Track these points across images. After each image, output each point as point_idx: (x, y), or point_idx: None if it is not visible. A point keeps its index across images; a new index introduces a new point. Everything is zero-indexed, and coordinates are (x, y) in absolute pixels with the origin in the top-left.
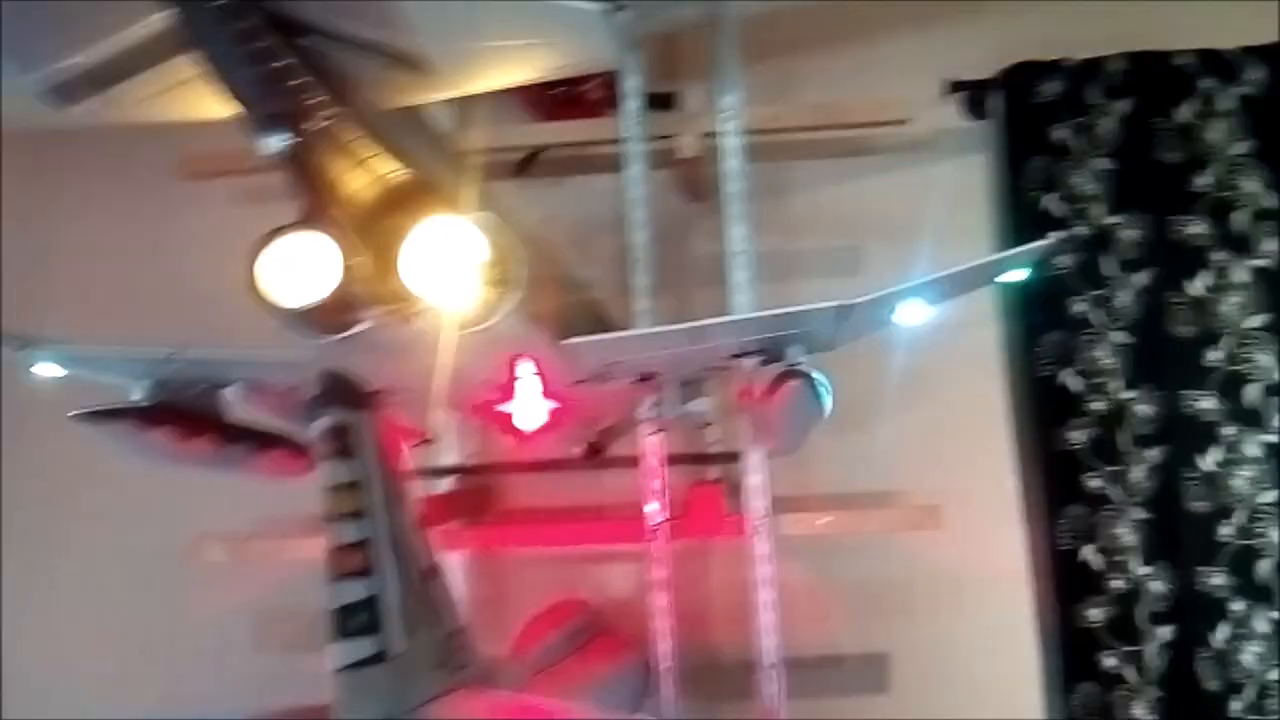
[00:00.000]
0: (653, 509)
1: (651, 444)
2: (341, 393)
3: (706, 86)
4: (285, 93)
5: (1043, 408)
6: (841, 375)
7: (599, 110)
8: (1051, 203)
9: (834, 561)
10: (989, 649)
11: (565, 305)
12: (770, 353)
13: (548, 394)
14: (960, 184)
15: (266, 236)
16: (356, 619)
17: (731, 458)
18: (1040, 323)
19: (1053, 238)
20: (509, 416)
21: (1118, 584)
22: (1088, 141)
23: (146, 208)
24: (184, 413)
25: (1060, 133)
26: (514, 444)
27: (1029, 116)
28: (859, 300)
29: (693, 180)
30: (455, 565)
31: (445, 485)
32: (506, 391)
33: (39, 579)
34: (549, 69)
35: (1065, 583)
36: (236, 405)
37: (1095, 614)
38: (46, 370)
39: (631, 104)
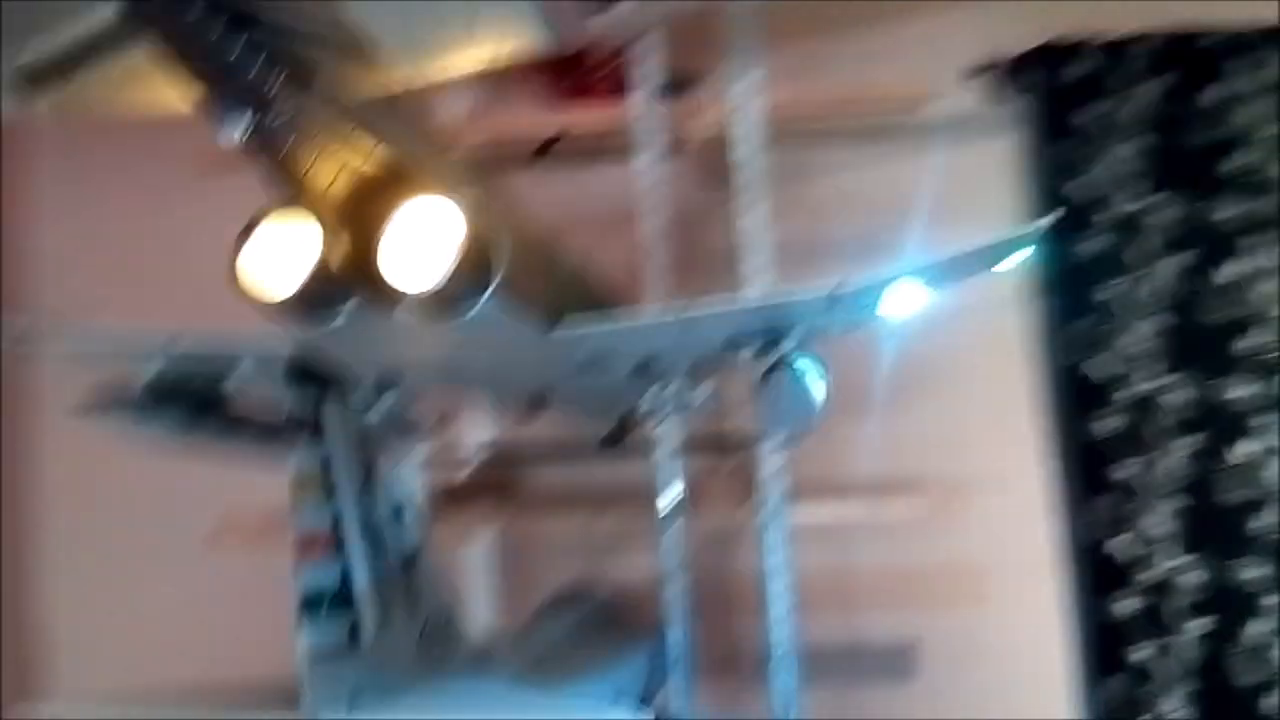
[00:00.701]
0: (667, 496)
1: (665, 433)
2: (306, 380)
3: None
4: (242, 83)
5: (1070, 396)
6: (867, 362)
7: (614, 96)
8: (1078, 186)
9: (862, 549)
10: (1018, 640)
11: (558, 292)
12: (767, 341)
13: None
14: (987, 168)
15: (245, 229)
16: (324, 602)
17: (746, 446)
18: (1067, 309)
19: (1045, 220)
20: None
21: (1147, 577)
22: (1115, 124)
23: (179, 196)
24: (189, 401)
25: (1087, 115)
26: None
27: (1055, 99)
28: (850, 287)
29: (713, 165)
30: (481, 548)
31: (470, 470)
32: None
33: (81, 549)
34: (488, 58)
35: (1093, 575)
36: (240, 393)
37: (1124, 607)
38: (57, 352)
39: (644, 90)
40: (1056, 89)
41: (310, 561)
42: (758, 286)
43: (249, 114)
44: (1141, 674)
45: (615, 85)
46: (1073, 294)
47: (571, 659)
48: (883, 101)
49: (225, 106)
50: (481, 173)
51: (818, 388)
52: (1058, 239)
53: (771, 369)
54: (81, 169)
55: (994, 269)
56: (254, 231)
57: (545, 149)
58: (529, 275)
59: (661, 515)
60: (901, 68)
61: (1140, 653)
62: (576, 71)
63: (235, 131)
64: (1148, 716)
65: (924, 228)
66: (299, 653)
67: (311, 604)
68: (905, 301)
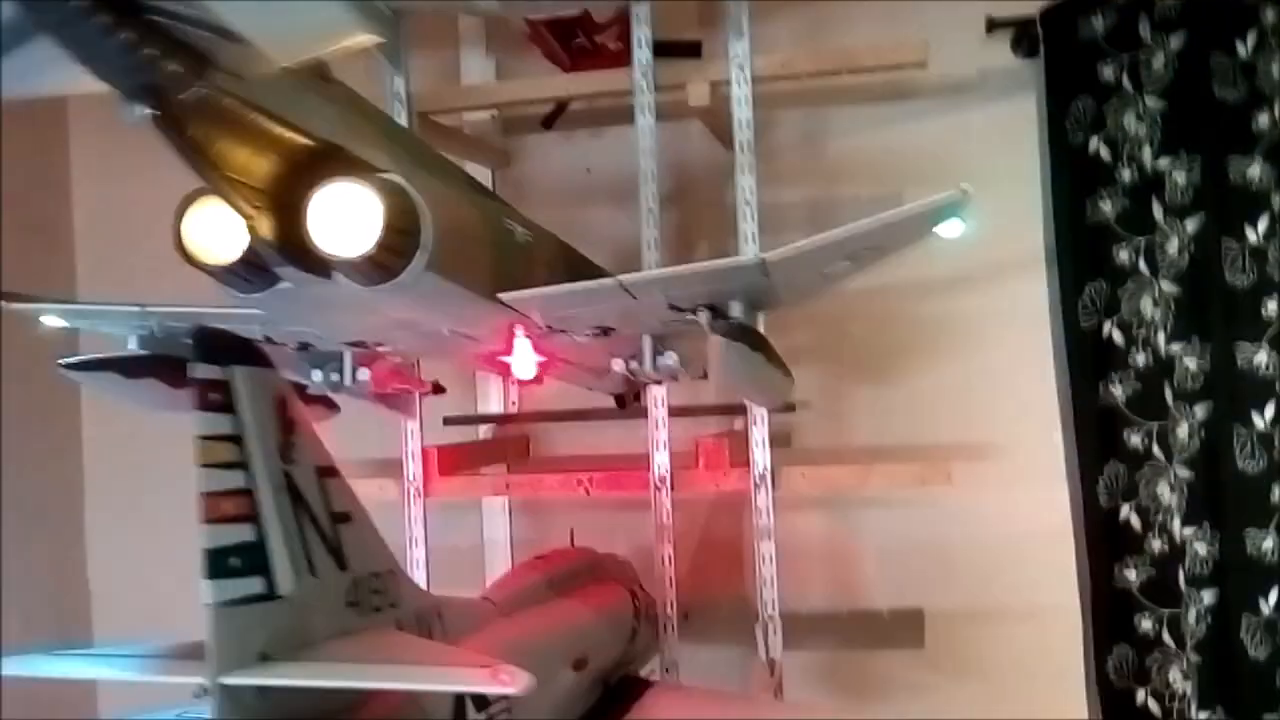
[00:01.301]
0: (658, 460)
1: (656, 397)
2: (217, 349)
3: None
4: (133, 71)
5: (1085, 360)
6: (878, 326)
7: (621, 60)
8: (1099, 144)
9: (868, 515)
10: (1028, 608)
11: (507, 260)
12: (716, 307)
13: (537, 348)
14: (1005, 126)
15: (182, 204)
16: (233, 560)
17: (737, 410)
18: (1084, 271)
19: (965, 189)
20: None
21: (1157, 544)
22: (1138, 79)
23: None
24: (173, 364)
25: (1108, 70)
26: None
27: (1075, 53)
28: (779, 254)
29: (721, 129)
30: (497, 507)
31: (485, 433)
32: (506, 345)
33: (122, 506)
34: (327, 43)
35: (1104, 541)
36: None
37: (1133, 575)
38: (52, 322)
39: (641, 55)
40: (1077, 43)
41: (218, 520)
42: (750, 249)
43: (147, 100)
44: (1149, 642)
45: (623, 47)
46: (1091, 255)
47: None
48: (877, 62)
49: (124, 92)
50: (414, 143)
51: (749, 358)
52: (1076, 198)
53: (712, 334)
54: (111, 142)
55: (936, 235)
56: (195, 201)
57: (554, 116)
58: (469, 243)
59: (654, 478)
60: (920, 25)
61: (1148, 621)
62: (584, 33)
63: (135, 116)
64: (1150, 686)
65: (941, 188)
66: (203, 609)
67: (217, 560)
68: (850, 268)
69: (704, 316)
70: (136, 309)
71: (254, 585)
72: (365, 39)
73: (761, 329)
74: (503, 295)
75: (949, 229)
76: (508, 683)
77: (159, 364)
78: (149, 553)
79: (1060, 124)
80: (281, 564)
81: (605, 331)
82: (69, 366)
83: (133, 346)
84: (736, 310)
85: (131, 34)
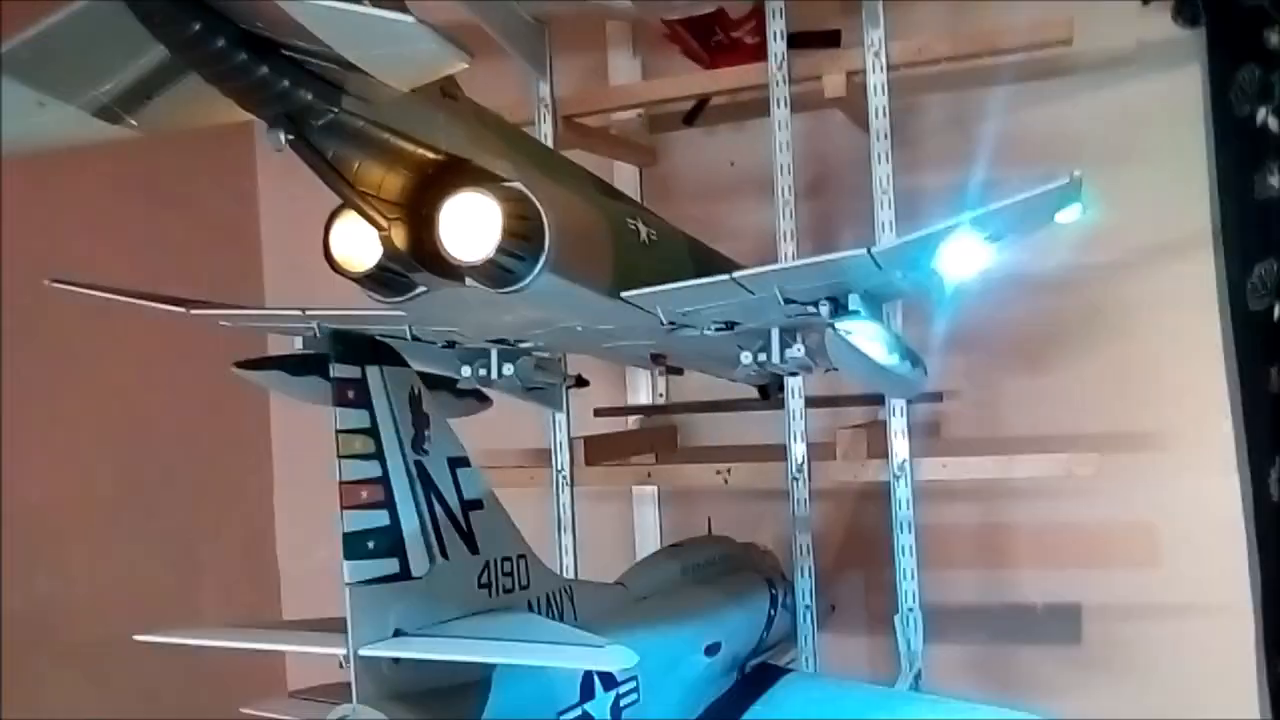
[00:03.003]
0: (795, 450)
1: (793, 387)
2: (354, 349)
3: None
4: (272, 101)
5: (1255, 345)
6: (1033, 313)
7: (759, 54)
8: (1267, 115)
9: (1024, 508)
10: (1193, 605)
11: (633, 260)
12: (834, 301)
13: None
14: (1166, 100)
15: (329, 218)
16: (370, 543)
17: (879, 401)
18: (1253, 250)
19: (1075, 175)
20: None
21: None
22: None
23: None
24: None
25: (1276, 36)
26: None
27: (1240, 20)
28: (887, 246)
29: (862, 117)
30: (647, 497)
31: (633, 425)
32: None
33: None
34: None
35: (1276, 536)
36: None
37: None
38: (229, 326)
39: (776, 48)
40: (1242, 9)
41: (355, 506)
42: (886, 238)
43: (286, 127)
44: None
45: (760, 40)
46: (1260, 233)
47: (665, 605)
48: (1019, 43)
49: (264, 120)
50: (540, 151)
51: (871, 348)
52: (1243, 173)
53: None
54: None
55: (1056, 220)
56: (339, 215)
57: (695, 113)
58: (592, 245)
59: (791, 468)
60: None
61: None
62: (721, 30)
63: (277, 142)
64: None
65: (1104, 167)
66: (343, 587)
67: (356, 543)
68: (964, 258)
69: (825, 309)
70: (298, 312)
71: (389, 566)
72: (455, 66)
73: (899, 318)
74: (625, 294)
75: (1067, 215)
76: (615, 661)
77: (320, 362)
78: (332, 536)
79: (1225, 95)
80: (415, 547)
81: (730, 326)
82: (242, 366)
83: (298, 346)
84: (855, 303)
85: (267, 69)
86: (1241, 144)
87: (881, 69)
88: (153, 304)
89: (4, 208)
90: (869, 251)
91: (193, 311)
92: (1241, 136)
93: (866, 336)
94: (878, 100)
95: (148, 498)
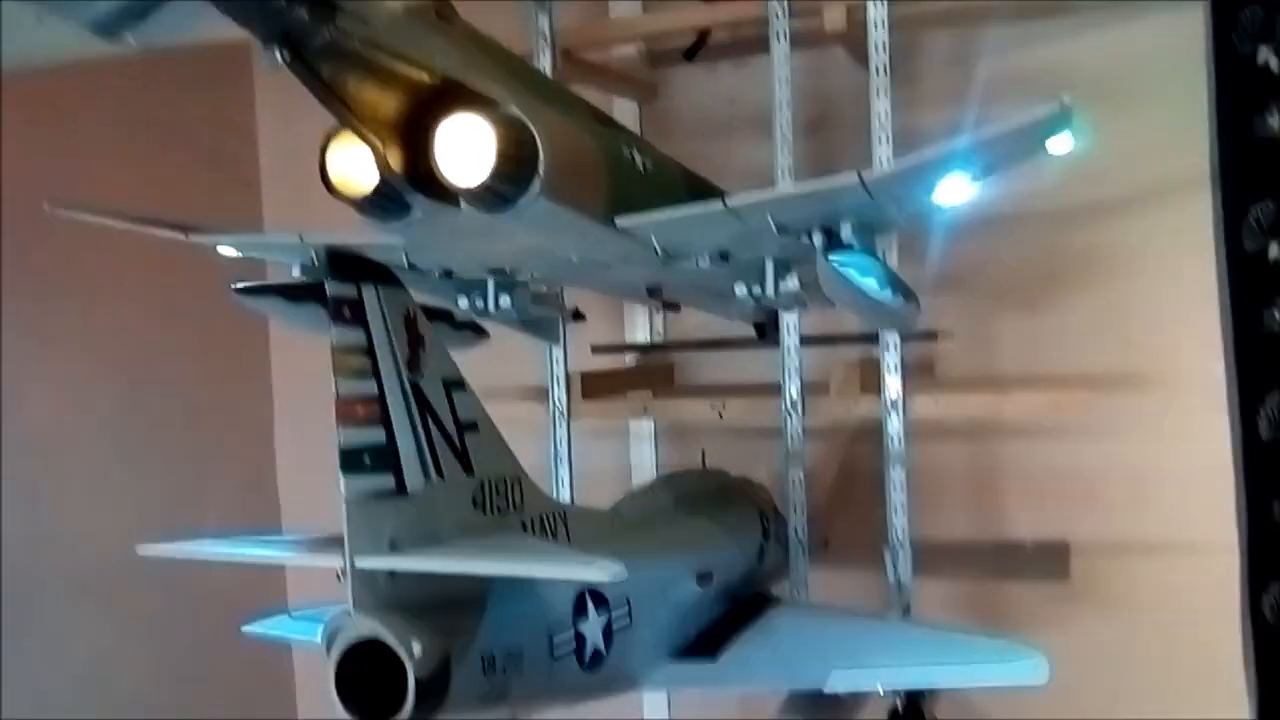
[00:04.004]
0: (789, 386)
1: (788, 324)
2: (350, 268)
3: None
4: (269, 17)
5: (1249, 285)
6: (1030, 253)
7: None
8: (1268, 54)
9: (1016, 447)
10: (1181, 542)
11: (629, 189)
12: (826, 231)
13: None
14: (1169, 39)
15: (324, 140)
16: (366, 459)
17: (874, 339)
18: (1250, 190)
19: (1065, 101)
20: None
21: None
22: None
23: None
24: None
25: None
26: None
27: None
28: (880, 173)
29: (863, 54)
30: (644, 433)
31: (630, 361)
32: None
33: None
34: None
35: (1264, 475)
36: None
37: None
38: (227, 251)
39: None
40: None
41: (351, 422)
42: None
43: (283, 44)
44: None
45: None
46: (1258, 174)
47: (658, 532)
48: None
49: (260, 38)
50: (536, 77)
51: (864, 281)
52: (1243, 113)
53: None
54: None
55: (1048, 149)
56: (335, 137)
57: (696, 48)
58: (587, 172)
59: (786, 403)
60: None
61: None
62: None
63: (273, 60)
64: None
65: (1106, 106)
66: (340, 502)
67: (352, 459)
68: (955, 188)
69: (818, 239)
70: (295, 238)
71: (385, 482)
72: None
73: (894, 255)
74: (618, 221)
75: (1059, 144)
76: (602, 574)
77: (318, 291)
78: (329, 459)
79: (1227, 35)
80: (410, 464)
81: (724, 256)
82: (240, 291)
83: (296, 274)
84: (846, 233)
85: None
86: (1242, 84)
87: (882, 2)
88: (152, 229)
89: (4, 139)
90: (859, 176)
91: (191, 236)
92: (1243, 76)
93: (858, 268)
94: (878, 35)
95: (148, 424)
